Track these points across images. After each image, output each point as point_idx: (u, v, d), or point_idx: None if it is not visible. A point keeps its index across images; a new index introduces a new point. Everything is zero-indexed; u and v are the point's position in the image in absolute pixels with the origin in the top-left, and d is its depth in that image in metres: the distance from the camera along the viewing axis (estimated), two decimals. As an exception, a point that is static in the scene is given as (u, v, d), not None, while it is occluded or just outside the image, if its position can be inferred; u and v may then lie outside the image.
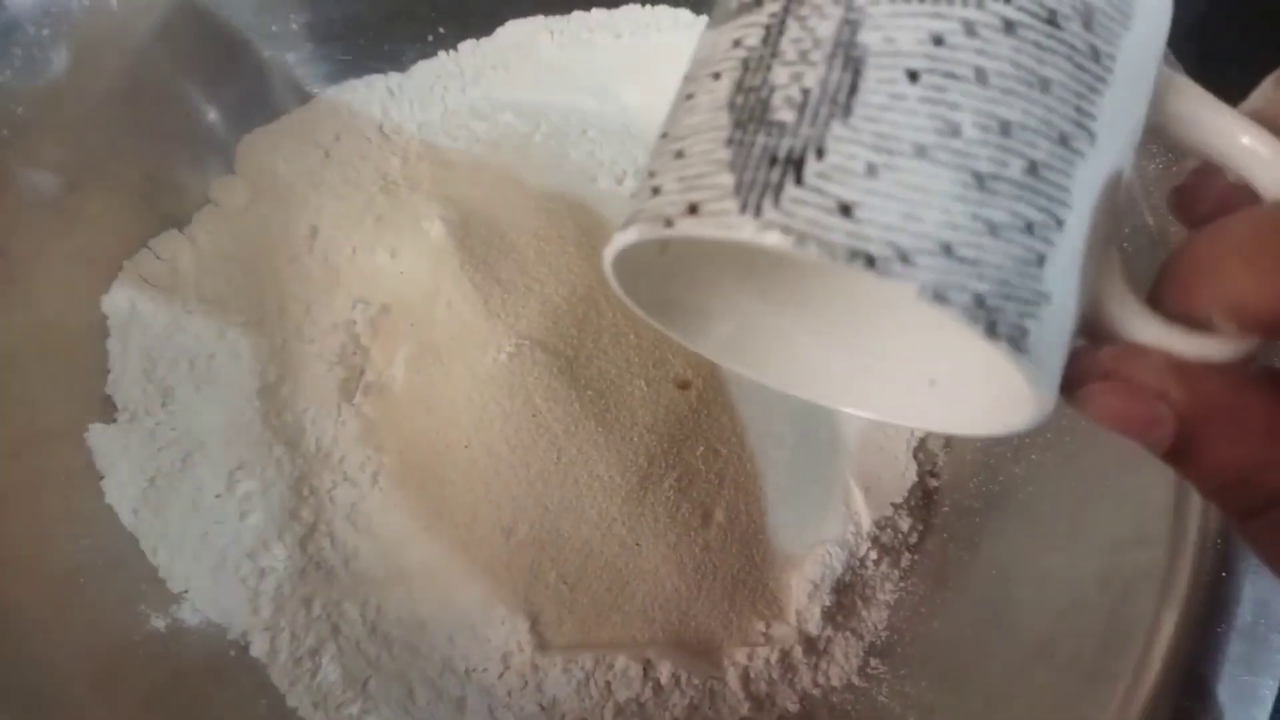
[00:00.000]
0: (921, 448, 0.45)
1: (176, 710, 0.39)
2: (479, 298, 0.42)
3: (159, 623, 0.40)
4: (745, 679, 0.41)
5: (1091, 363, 0.17)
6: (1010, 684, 0.39)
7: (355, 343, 0.43)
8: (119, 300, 0.43)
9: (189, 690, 0.40)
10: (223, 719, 0.40)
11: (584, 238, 0.44)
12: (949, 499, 0.46)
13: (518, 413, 0.40)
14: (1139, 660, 0.34)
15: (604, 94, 0.49)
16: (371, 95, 0.48)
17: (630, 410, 0.41)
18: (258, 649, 0.40)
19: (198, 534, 0.40)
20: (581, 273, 0.43)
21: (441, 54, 0.49)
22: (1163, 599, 0.35)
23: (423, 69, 0.49)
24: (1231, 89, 0.20)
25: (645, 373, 0.42)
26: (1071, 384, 0.17)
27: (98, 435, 0.41)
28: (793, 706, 0.42)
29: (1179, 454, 0.17)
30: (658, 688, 0.40)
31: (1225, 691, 0.33)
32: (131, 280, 0.43)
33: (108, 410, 0.42)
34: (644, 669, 0.40)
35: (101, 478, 0.40)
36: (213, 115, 0.46)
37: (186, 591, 0.41)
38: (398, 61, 0.49)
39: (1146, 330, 0.17)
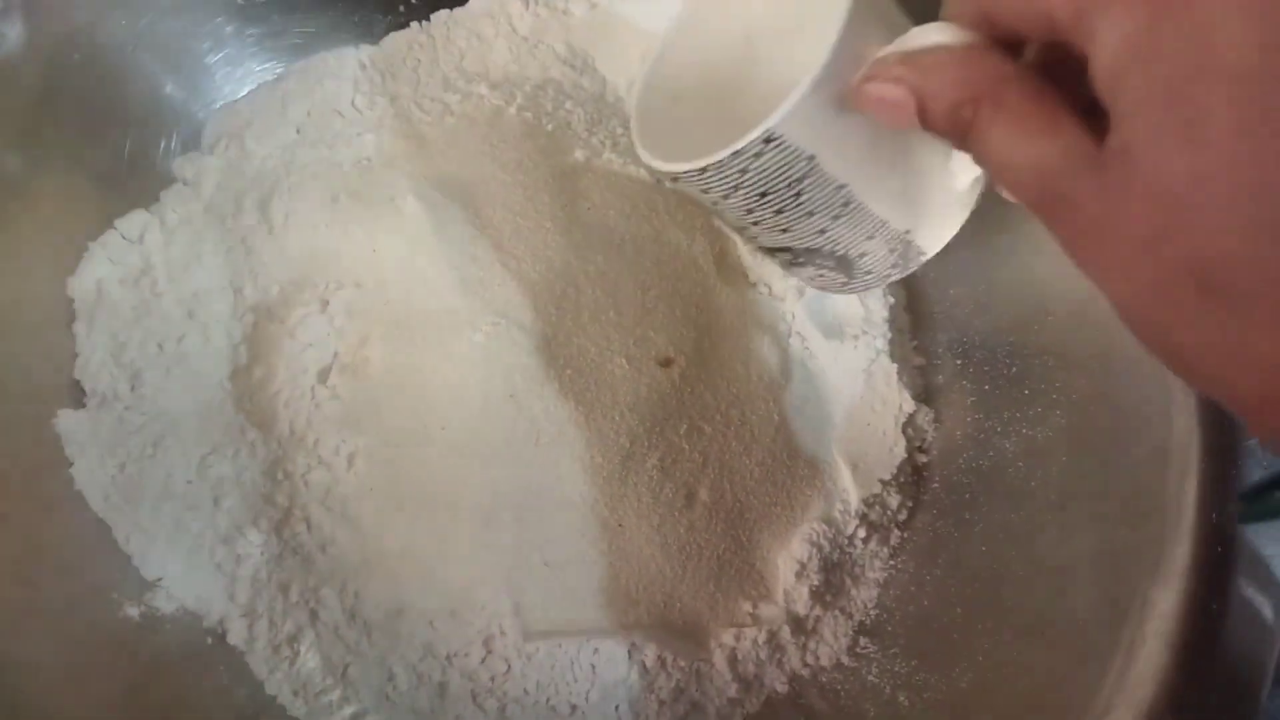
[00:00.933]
0: (910, 423, 0.44)
1: (153, 700, 0.38)
2: (454, 276, 0.41)
3: (132, 611, 0.39)
4: (733, 660, 0.40)
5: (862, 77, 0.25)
6: (1002, 662, 0.38)
7: (329, 323, 0.41)
8: (85, 282, 0.42)
9: (165, 680, 0.39)
10: (201, 708, 0.39)
11: (561, 213, 0.43)
12: (939, 475, 0.45)
13: (495, 393, 0.39)
14: (1133, 637, 0.34)
15: (580, 65, 0.48)
16: (342, 69, 0.46)
17: (611, 389, 0.40)
18: (235, 636, 0.40)
19: (171, 520, 0.40)
20: (559, 249, 0.42)
21: (413, 25, 0.48)
22: (1156, 574, 0.34)
23: (394, 41, 0.47)
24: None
25: (626, 351, 0.41)
26: (855, 86, 0.25)
27: (66, 421, 0.40)
28: (781, 687, 0.41)
29: (921, 119, 0.23)
30: (644, 670, 0.39)
31: (1222, 667, 0.32)
32: (98, 261, 0.42)
33: (76, 395, 0.41)
34: (629, 652, 0.39)
35: (70, 464, 0.40)
36: (176, 91, 0.44)
37: (161, 579, 0.40)
38: (368, 33, 0.47)
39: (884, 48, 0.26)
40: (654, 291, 0.43)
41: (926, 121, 0.23)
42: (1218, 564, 0.33)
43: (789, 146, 0.26)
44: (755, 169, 0.26)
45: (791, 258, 0.31)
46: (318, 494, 0.40)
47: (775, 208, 0.28)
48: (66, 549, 0.39)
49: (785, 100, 0.25)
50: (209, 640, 0.40)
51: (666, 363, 0.41)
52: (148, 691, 0.38)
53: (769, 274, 0.45)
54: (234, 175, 0.44)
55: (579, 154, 0.46)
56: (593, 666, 0.39)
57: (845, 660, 0.42)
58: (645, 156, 0.29)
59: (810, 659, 0.41)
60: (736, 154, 0.26)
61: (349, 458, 0.40)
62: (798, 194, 0.27)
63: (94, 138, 0.42)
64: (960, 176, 0.29)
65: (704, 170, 0.27)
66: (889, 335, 0.45)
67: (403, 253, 0.42)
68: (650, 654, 0.39)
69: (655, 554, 0.40)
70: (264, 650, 0.39)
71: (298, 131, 0.46)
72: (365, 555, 0.40)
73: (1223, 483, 0.34)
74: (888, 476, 0.43)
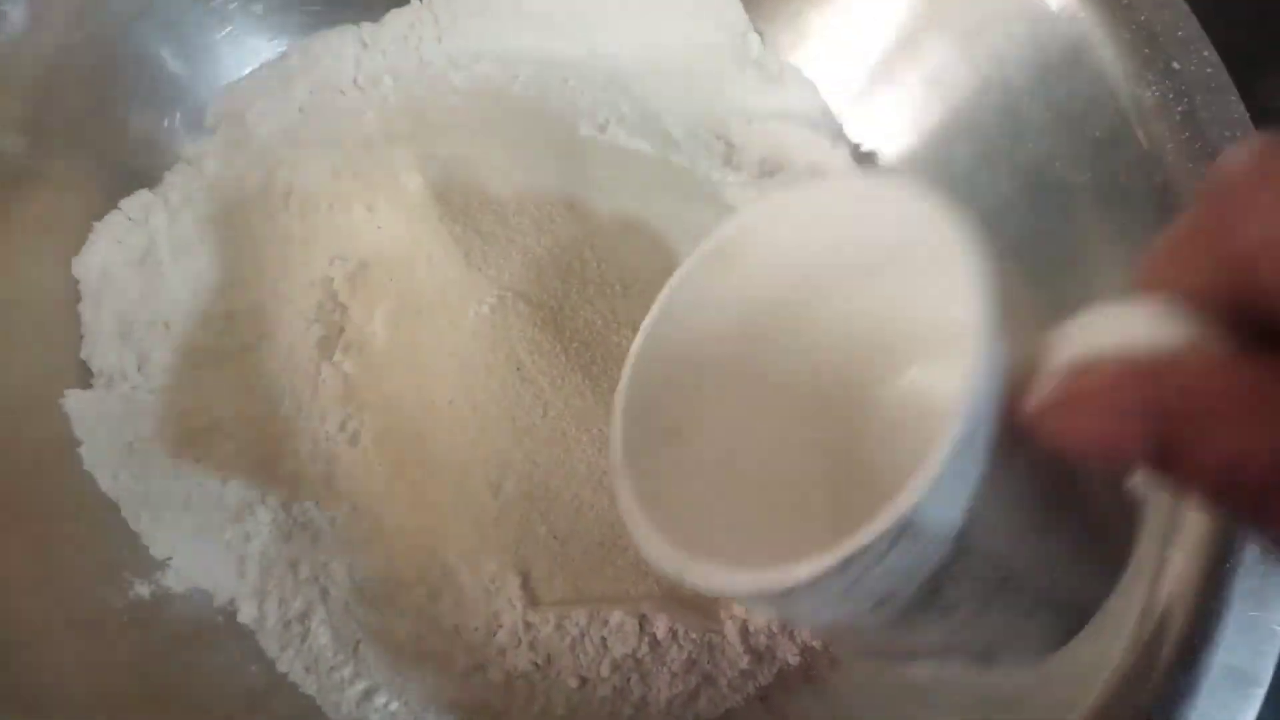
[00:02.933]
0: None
1: (164, 679, 0.38)
2: (459, 251, 0.41)
3: (143, 590, 0.39)
4: (744, 632, 0.40)
5: (1042, 392, 0.16)
6: (1015, 627, 0.38)
7: (334, 300, 0.41)
8: (90, 263, 0.42)
9: (176, 658, 0.39)
10: (212, 686, 0.39)
11: (566, 187, 0.43)
12: (949, 445, 0.45)
13: (501, 366, 0.39)
14: (1145, 599, 0.34)
15: (584, 40, 0.48)
16: (344, 47, 0.46)
17: (618, 362, 0.40)
18: (246, 614, 0.39)
19: (179, 499, 0.40)
20: (564, 224, 0.42)
21: (415, 2, 0.48)
22: (1168, 535, 0.34)
23: (396, 18, 0.47)
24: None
25: (632, 323, 0.41)
26: (1029, 417, 0.16)
27: (73, 401, 0.40)
28: (794, 659, 0.41)
29: (1160, 461, 0.15)
30: (654, 643, 0.39)
31: (1234, 628, 0.32)
32: (103, 242, 0.42)
33: (83, 376, 0.41)
34: (639, 624, 0.39)
35: (79, 444, 0.40)
36: (180, 70, 0.44)
37: (170, 558, 0.40)
38: (370, 10, 0.47)
39: (1092, 337, 0.16)
40: (659, 265, 0.43)
41: (1177, 471, 0.15)
42: (1230, 523, 0.33)
43: (931, 534, 0.17)
44: (876, 574, 0.17)
45: (899, 658, 0.21)
46: (324, 470, 0.40)
47: (897, 612, 0.18)
48: (77, 528, 0.39)
49: (920, 474, 0.16)
50: (220, 619, 0.40)
51: (673, 335, 0.41)
52: (159, 670, 0.38)
53: (775, 247, 0.45)
54: (237, 154, 0.44)
55: (584, 130, 0.45)
56: (603, 639, 0.39)
57: (857, 631, 0.42)
58: (661, 558, 0.19)
59: (822, 630, 0.41)
60: (849, 562, 0.16)
61: (354, 433, 0.40)
62: (936, 590, 0.18)
63: (98, 118, 0.42)
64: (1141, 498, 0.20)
65: (790, 591, 0.17)
66: (896, 306, 0.45)
67: (406, 228, 0.42)
68: (661, 626, 0.39)
69: (664, 525, 0.40)
70: (275, 628, 0.39)
71: (300, 110, 0.46)
72: (373, 530, 0.40)
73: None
74: (898, 447, 0.43)
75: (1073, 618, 0.22)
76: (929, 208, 0.18)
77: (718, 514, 0.21)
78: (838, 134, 0.48)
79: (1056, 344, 0.16)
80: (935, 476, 0.16)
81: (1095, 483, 0.18)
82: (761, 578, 0.18)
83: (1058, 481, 0.18)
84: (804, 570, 0.17)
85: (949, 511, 0.17)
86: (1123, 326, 0.16)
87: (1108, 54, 0.40)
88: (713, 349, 0.24)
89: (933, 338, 0.18)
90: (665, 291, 0.24)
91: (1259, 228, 0.14)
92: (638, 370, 0.23)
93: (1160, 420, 0.14)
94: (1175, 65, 0.38)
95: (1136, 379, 0.15)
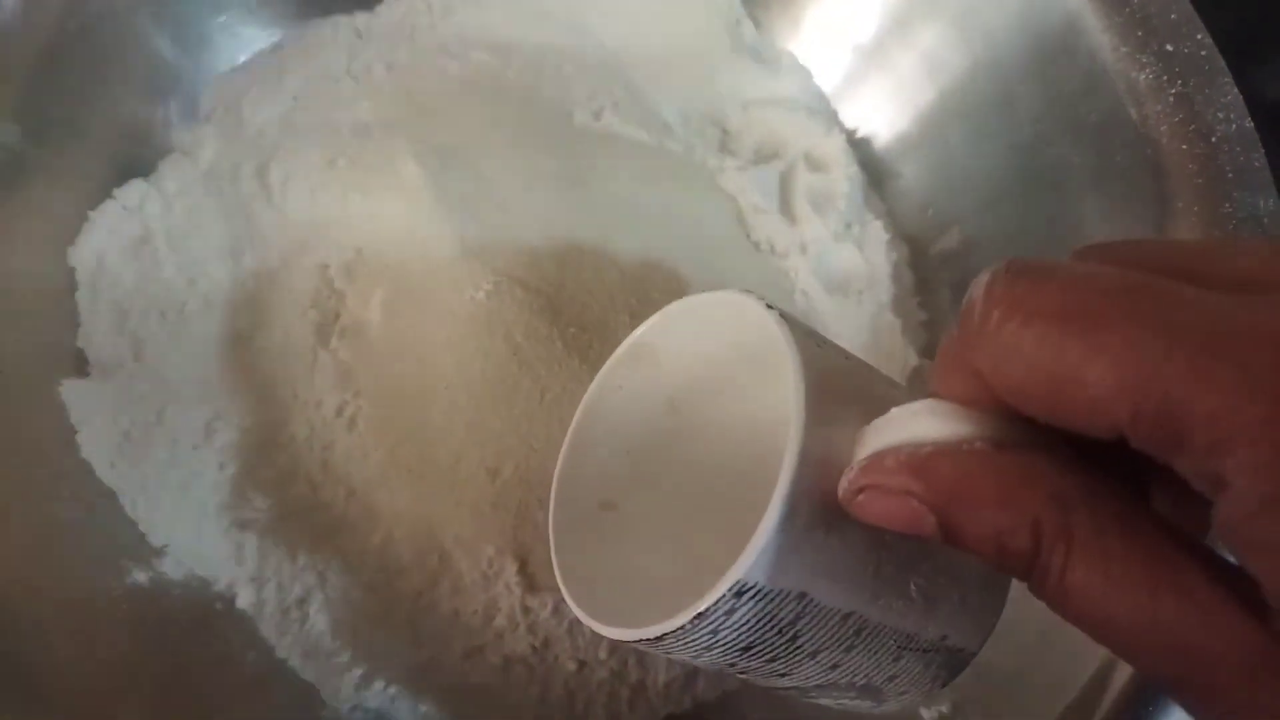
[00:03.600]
0: (915, 378, 0.44)
1: (163, 665, 0.38)
2: (454, 237, 0.41)
3: (141, 576, 0.39)
4: (742, 614, 0.40)
5: (849, 481, 0.20)
6: (1014, 603, 0.38)
7: (330, 287, 0.41)
8: (86, 252, 0.42)
9: (175, 645, 0.39)
10: (211, 673, 0.39)
11: (562, 175, 0.43)
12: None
13: (498, 351, 0.39)
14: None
15: (578, 28, 0.48)
16: (338, 36, 0.46)
17: (614, 346, 0.40)
18: (244, 601, 0.39)
19: (177, 486, 0.40)
20: (560, 210, 0.42)
21: (408, -10, 0.48)
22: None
23: (390, 8, 0.47)
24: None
25: (629, 308, 0.41)
26: (846, 499, 0.20)
27: (71, 390, 0.40)
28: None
29: (946, 535, 0.18)
30: (653, 625, 0.39)
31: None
32: (98, 231, 0.42)
33: (80, 364, 0.41)
34: (638, 607, 0.39)
35: (76, 432, 0.40)
36: (173, 59, 0.44)
37: (168, 545, 0.40)
38: (363, 0, 0.47)
39: (888, 434, 0.20)
40: (656, 251, 0.43)
41: (960, 544, 0.18)
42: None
43: (769, 592, 0.20)
44: (730, 626, 0.20)
45: (800, 694, 0.25)
46: (321, 456, 0.40)
47: (766, 657, 0.22)
48: (74, 516, 0.39)
49: (750, 543, 0.19)
50: (218, 605, 0.40)
51: (669, 319, 0.41)
52: (157, 656, 0.38)
53: (773, 232, 0.45)
54: (231, 143, 0.44)
55: (579, 117, 0.46)
56: (601, 623, 0.39)
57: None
58: (578, 610, 0.24)
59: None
60: (700, 617, 0.20)
61: (351, 419, 0.40)
62: (793, 638, 0.21)
63: (92, 107, 0.42)
64: None
65: (661, 639, 0.21)
66: (892, 291, 0.45)
67: (402, 215, 0.42)
68: (659, 608, 0.39)
69: (661, 510, 0.40)
70: (273, 614, 0.39)
71: (294, 99, 0.46)
72: (369, 515, 0.40)
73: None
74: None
75: (949, 662, 0.24)
76: (767, 317, 0.22)
77: (645, 567, 0.25)
78: (832, 119, 0.49)
79: (865, 437, 0.20)
80: (759, 550, 0.19)
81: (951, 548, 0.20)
82: (635, 631, 0.22)
83: (900, 547, 0.21)
84: (666, 625, 0.21)
85: (783, 574, 0.20)
86: (911, 425, 0.19)
87: (1102, 36, 0.40)
88: (641, 432, 0.28)
89: None
90: (592, 386, 0.29)
91: (989, 347, 0.17)
92: (573, 454, 0.28)
93: (936, 504, 0.18)
94: (1169, 48, 0.38)
95: (913, 470, 0.18)
